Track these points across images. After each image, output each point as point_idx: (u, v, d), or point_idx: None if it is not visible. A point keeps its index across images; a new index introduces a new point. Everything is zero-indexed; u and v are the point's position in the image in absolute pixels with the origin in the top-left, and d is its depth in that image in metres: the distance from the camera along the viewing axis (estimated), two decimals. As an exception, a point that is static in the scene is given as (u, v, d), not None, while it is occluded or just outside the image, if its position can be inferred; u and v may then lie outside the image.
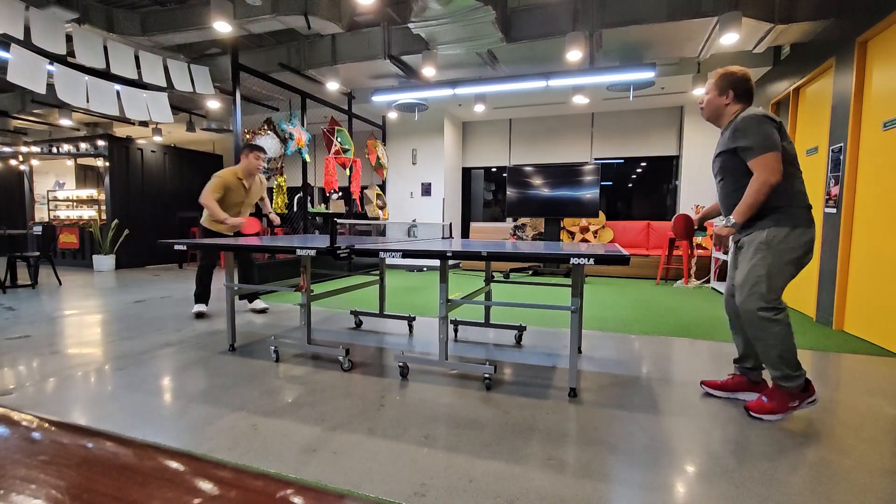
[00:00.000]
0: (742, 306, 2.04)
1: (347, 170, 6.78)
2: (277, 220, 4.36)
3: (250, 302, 4.37)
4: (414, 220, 8.05)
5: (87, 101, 5.10)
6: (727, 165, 2.13)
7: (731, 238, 2.21)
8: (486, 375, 2.41)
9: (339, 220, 2.54)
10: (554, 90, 6.28)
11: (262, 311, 4.31)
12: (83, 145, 7.87)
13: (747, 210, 2.01)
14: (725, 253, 6.89)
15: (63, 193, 9.07)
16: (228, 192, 3.93)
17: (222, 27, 4.51)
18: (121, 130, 9.32)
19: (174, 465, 0.43)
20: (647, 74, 5.32)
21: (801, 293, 4.51)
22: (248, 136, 5.32)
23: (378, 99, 6.52)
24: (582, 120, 8.15)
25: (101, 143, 7.76)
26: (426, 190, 8.08)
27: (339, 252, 2.35)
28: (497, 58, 5.77)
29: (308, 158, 6.15)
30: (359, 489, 1.51)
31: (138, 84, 5.59)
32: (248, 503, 0.37)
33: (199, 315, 4.00)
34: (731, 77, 2.15)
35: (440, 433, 1.90)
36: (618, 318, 4.12)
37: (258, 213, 4.55)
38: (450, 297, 2.44)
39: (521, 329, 3.32)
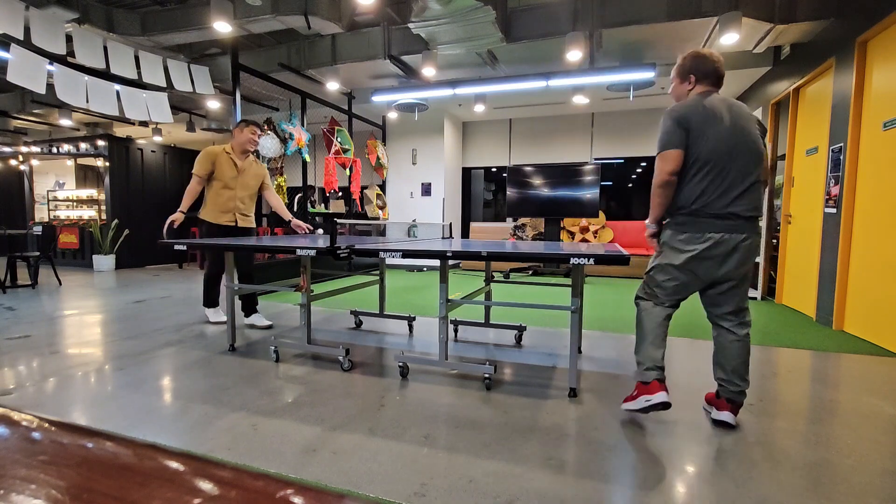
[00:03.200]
0: None
1: (347, 170, 6.78)
2: (306, 227, 3.79)
3: (247, 316, 3.76)
4: (414, 220, 8.05)
5: (87, 101, 5.10)
6: None
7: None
8: (486, 375, 2.41)
9: (339, 220, 2.54)
10: (554, 90, 6.28)
11: (266, 327, 3.69)
12: (83, 145, 7.87)
13: (650, 211, 2.11)
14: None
15: (63, 193, 9.08)
16: (218, 168, 3.54)
17: (222, 27, 4.51)
18: (121, 130, 9.32)
19: (174, 465, 0.43)
20: (647, 74, 5.32)
21: (801, 293, 4.51)
22: None
23: (378, 99, 6.52)
24: (582, 120, 8.14)
25: (101, 143, 7.77)
26: (426, 190, 8.08)
27: (339, 252, 2.35)
28: (497, 58, 5.77)
29: (308, 158, 6.15)
30: (359, 489, 1.50)
31: (138, 84, 5.59)
32: (248, 503, 0.37)
33: (216, 322, 3.74)
34: (689, 59, 2.03)
35: (440, 433, 1.90)
36: (618, 318, 4.12)
37: (274, 214, 4.07)
38: (450, 297, 2.44)
39: (521, 329, 3.32)
